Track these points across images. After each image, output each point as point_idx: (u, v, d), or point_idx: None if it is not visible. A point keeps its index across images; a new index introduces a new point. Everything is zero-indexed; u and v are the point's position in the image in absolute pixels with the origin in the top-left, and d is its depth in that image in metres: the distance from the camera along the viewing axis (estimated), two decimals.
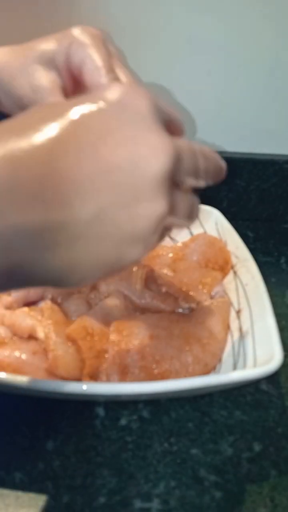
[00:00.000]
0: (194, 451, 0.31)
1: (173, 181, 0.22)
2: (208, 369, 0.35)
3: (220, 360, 0.36)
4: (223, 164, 0.28)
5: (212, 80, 0.53)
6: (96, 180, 0.20)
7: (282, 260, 0.53)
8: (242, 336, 0.36)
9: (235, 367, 0.34)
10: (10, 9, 0.48)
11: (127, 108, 0.21)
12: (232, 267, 0.43)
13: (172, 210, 0.22)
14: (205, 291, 0.41)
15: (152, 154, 0.21)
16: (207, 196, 0.57)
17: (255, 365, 0.32)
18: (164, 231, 0.24)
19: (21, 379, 0.28)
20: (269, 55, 0.51)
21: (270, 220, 0.60)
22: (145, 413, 0.33)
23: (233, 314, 0.39)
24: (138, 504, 0.28)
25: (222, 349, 0.36)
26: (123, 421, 0.33)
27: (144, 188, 0.21)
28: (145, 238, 0.22)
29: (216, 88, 0.53)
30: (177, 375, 0.33)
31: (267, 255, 0.53)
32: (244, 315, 0.38)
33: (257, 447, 0.32)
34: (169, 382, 0.30)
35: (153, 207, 0.21)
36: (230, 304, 0.40)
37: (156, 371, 0.33)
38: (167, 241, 0.48)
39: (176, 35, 0.50)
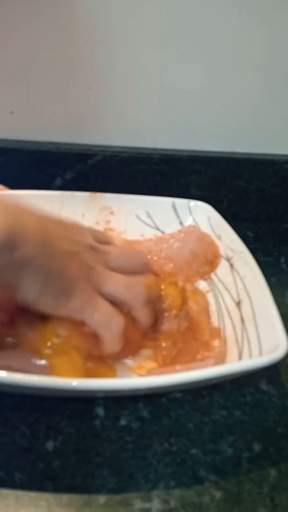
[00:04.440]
0: (194, 451, 0.31)
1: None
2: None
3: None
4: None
5: (212, 80, 0.53)
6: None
7: (282, 260, 0.53)
8: (244, 326, 0.36)
9: (240, 358, 0.34)
10: (11, 8, 0.48)
11: None
12: (228, 260, 0.43)
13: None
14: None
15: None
16: (207, 196, 0.58)
17: (260, 353, 0.32)
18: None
19: (18, 377, 0.28)
20: (269, 55, 0.51)
21: (270, 220, 0.60)
22: (145, 413, 0.33)
23: (233, 305, 0.39)
24: (138, 504, 0.28)
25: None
26: (123, 421, 0.33)
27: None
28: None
29: (216, 88, 0.53)
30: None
31: (267, 255, 0.53)
32: (245, 305, 0.38)
33: (257, 447, 0.32)
34: (181, 374, 0.30)
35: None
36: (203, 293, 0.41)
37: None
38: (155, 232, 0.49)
39: (177, 34, 0.50)
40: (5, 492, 0.28)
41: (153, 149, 0.57)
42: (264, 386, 0.36)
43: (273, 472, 0.30)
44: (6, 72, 0.52)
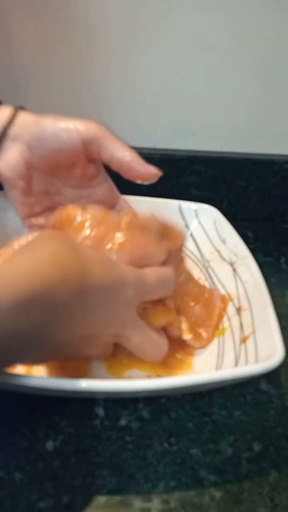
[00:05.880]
0: (194, 451, 0.31)
1: None
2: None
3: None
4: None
5: (212, 80, 0.53)
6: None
7: (282, 260, 0.53)
8: (243, 333, 0.36)
9: (236, 364, 0.34)
10: (11, 8, 0.48)
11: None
12: (232, 265, 0.43)
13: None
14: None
15: None
16: (207, 196, 0.58)
17: (256, 361, 0.32)
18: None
19: (19, 378, 0.28)
20: (269, 55, 0.51)
21: (270, 220, 0.60)
22: (145, 413, 0.33)
23: (233, 311, 0.39)
24: (138, 504, 0.28)
25: None
26: (123, 421, 0.33)
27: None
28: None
29: (216, 88, 0.53)
30: None
31: (267, 255, 0.53)
32: (245, 312, 0.38)
33: (257, 447, 0.32)
34: (172, 379, 0.30)
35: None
36: None
37: None
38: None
39: (176, 35, 0.50)
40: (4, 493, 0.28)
41: (153, 149, 0.57)
42: (264, 386, 0.36)
43: (273, 472, 0.30)
44: (6, 72, 0.52)
